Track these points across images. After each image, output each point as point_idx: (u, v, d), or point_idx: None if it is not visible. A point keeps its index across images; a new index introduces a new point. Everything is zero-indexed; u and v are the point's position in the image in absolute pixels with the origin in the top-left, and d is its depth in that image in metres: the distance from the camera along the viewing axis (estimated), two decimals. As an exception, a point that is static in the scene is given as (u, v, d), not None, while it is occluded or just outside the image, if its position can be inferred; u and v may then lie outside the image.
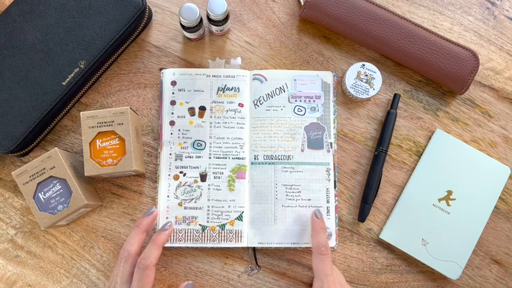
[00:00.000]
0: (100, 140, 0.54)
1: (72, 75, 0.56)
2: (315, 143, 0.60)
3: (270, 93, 0.61)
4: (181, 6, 0.59)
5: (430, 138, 0.61)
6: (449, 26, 0.64)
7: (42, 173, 0.52)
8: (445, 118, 0.62)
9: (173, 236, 0.57)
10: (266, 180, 0.59)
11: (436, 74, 0.60)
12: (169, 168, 0.58)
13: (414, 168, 0.60)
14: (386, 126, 0.59)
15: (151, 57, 0.62)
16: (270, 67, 0.62)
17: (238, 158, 0.59)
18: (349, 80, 0.60)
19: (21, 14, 0.56)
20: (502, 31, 0.64)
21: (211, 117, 0.60)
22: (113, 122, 0.54)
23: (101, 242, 0.58)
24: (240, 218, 0.57)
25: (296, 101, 0.61)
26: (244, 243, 0.57)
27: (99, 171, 0.53)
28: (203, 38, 0.62)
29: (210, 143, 0.59)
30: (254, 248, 0.58)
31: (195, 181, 0.58)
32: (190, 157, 0.59)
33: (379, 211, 0.60)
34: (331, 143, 0.60)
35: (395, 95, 0.61)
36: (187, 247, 0.58)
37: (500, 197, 0.60)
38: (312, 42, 0.63)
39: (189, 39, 0.62)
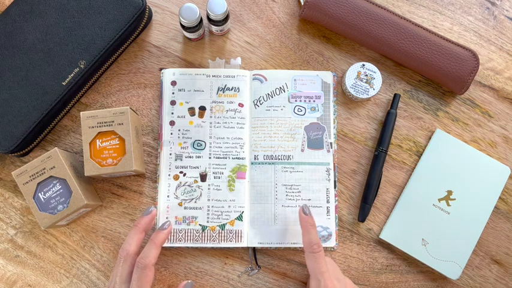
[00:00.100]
0: (100, 140, 0.54)
1: (72, 75, 0.56)
2: (315, 143, 0.60)
3: (270, 93, 0.61)
4: (181, 6, 0.59)
5: (430, 138, 0.61)
6: (449, 26, 0.64)
7: (42, 173, 0.52)
8: (445, 118, 0.62)
9: (173, 236, 0.57)
10: (266, 180, 0.59)
11: (436, 74, 0.60)
12: (169, 168, 0.58)
13: (414, 168, 0.60)
14: (386, 126, 0.59)
15: (151, 57, 0.62)
16: (270, 67, 0.62)
17: (238, 158, 0.59)
18: (349, 80, 0.60)
19: (21, 14, 0.56)
20: (502, 31, 0.64)
21: (211, 117, 0.60)
22: (113, 122, 0.54)
23: (101, 242, 0.58)
24: (240, 218, 0.57)
25: (296, 101, 0.61)
26: (244, 243, 0.57)
27: (99, 171, 0.53)
28: (203, 38, 0.63)
29: (210, 143, 0.59)
30: (254, 248, 0.58)
31: (195, 181, 0.58)
32: (190, 157, 0.59)
33: (379, 211, 0.60)
34: (331, 143, 0.60)
35: (395, 95, 0.61)
36: (187, 247, 0.58)
37: (500, 197, 0.60)
38: (312, 42, 0.63)
39: (189, 39, 0.62)
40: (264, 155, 0.59)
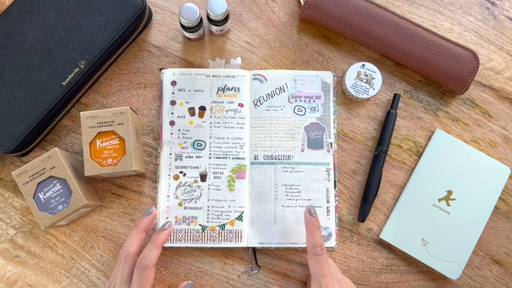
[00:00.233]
0: (100, 140, 0.54)
1: (72, 75, 0.56)
2: (315, 143, 0.60)
3: (270, 93, 0.61)
4: (181, 6, 0.59)
5: (430, 138, 0.61)
6: (449, 26, 0.64)
7: (42, 173, 0.52)
8: (445, 118, 0.62)
9: (173, 236, 0.57)
10: (266, 180, 0.59)
11: (436, 74, 0.60)
12: (169, 168, 0.58)
13: (414, 168, 0.60)
14: (386, 126, 0.59)
15: (151, 57, 0.62)
16: (270, 67, 0.62)
17: (238, 158, 0.59)
18: (349, 80, 0.60)
19: (21, 14, 0.56)
20: (502, 31, 0.64)
21: (211, 117, 0.60)
22: (113, 122, 0.54)
23: (101, 242, 0.58)
24: (240, 218, 0.57)
25: (296, 101, 0.61)
26: (244, 243, 0.57)
27: (99, 171, 0.53)
28: (203, 38, 0.63)
29: (210, 143, 0.59)
30: (254, 248, 0.58)
31: (195, 181, 0.58)
32: (190, 157, 0.59)
33: (379, 211, 0.60)
34: (331, 143, 0.60)
35: (395, 95, 0.61)
36: (187, 247, 0.58)
37: (500, 197, 0.60)
38: (312, 42, 0.63)
39: (189, 39, 0.62)
40: (264, 155, 0.59)
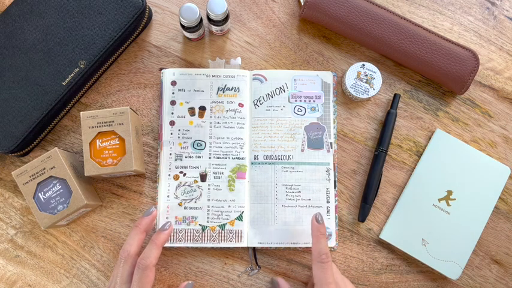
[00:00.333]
0: (100, 140, 0.54)
1: (72, 75, 0.56)
2: (315, 143, 0.60)
3: (270, 93, 0.61)
4: (181, 6, 0.59)
5: (430, 138, 0.61)
6: (449, 26, 0.64)
7: (42, 173, 0.52)
8: (445, 118, 0.62)
9: (173, 236, 0.57)
10: (266, 180, 0.59)
11: (436, 74, 0.60)
12: (169, 168, 0.58)
13: (414, 168, 0.60)
14: (386, 126, 0.59)
15: (151, 57, 0.62)
16: (270, 67, 0.62)
17: (238, 158, 0.59)
18: (349, 80, 0.60)
19: (21, 14, 0.56)
20: (502, 31, 0.64)
21: (211, 117, 0.60)
22: (113, 122, 0.54)
23: (101, 242, 0.58)
24: (240, 218, 0.57)
25: (296, 101, 0.61)
26: (244, 243, 0.57)
27: (99, 171, 0.53)
28: (203, 38, 0.63)
29: (210, 143, 0.59)
30: (254, 248, 0.58)
31: (195, 181, 0.58)
32: (190, 157, 0.59)
33: (379, 211, 0.60)
34: (331, 143, 0.60)
35: (395, 95, 0.61)
36: (187, 247, 0.58)
37: (500, 197, 0.60)
38: (312, 42, 0.63)
39: (189, 39, 0.62)
40: (264, 155, 0.59)
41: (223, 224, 0.57)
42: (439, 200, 0.59)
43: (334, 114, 0.61)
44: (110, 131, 0.54)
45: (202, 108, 0.60)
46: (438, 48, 0.59)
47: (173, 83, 0.60)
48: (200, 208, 0.58)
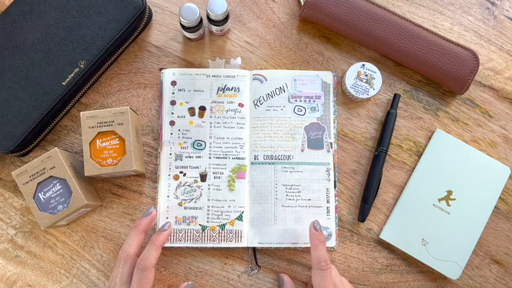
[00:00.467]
0: (100, 140, 0.54)
1: (72, 75, 0.56)
2: (315, 143, 0.60)
3: (270, 93, 0.61)
4: (181, 6, 0.59)
5: (430, 138, 0.61)
6: (449, 26, 0.64)
7: (42, 173, 0.52)
8: (445, 118, 0.62)
9: (173, 236, 0.57)
10: (266, 180, 0.59)
11: (436, 74, 0.60)
12: (169, 168, 0.58)
13: (414, 168, 0.60)
14: (386, 126, 0.59)
15: (151, 57, 0.62)
16: (270, 67, 0.62)
17: (238, 158, 0.59)
18: (349, 80, 0.60)
19: (21, 14, 0.56)
20: (502, 31, 0.64)
21: (211, 117, 0.60)
22: (113, 122, 0.54)
23: (101, 242, 0.58)
24: (240, 218, 0.57)
25: (296, 101, 0.61)
26: (244, 243, 0.57)
27: (99, 171, 0.53)
28: (203, 38, 0.63)
29: (210, 143, 0.59)
30: (254, 248, 0.58)
31: (195, 181, 0.58)
32: (190, 157, 0.59)
33: (379, 211, 0.60)
34: (331, 143, 0.60)
35: (395, 95, 0.61)
36: (187, 247, 0.58)
37: (500, 197, 0.60)
38: (312, 42, 0.63)
39: (189, 39, 0.62)
40: (264, 155, 0.59)
41: (223, 224, 0.57)
42: (439, 200, 0.59)
43: (334, 114, 0.61)
44: (110, 131, 0.54)
45: (202, 108, 0.60)
46: (438, 48, 0.59)
47: (173, 83, 0.60)
48: (200, 208, 0.58)
